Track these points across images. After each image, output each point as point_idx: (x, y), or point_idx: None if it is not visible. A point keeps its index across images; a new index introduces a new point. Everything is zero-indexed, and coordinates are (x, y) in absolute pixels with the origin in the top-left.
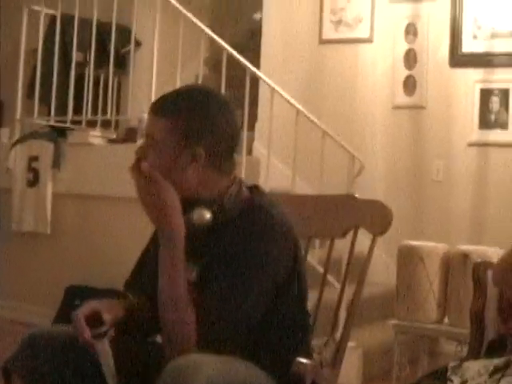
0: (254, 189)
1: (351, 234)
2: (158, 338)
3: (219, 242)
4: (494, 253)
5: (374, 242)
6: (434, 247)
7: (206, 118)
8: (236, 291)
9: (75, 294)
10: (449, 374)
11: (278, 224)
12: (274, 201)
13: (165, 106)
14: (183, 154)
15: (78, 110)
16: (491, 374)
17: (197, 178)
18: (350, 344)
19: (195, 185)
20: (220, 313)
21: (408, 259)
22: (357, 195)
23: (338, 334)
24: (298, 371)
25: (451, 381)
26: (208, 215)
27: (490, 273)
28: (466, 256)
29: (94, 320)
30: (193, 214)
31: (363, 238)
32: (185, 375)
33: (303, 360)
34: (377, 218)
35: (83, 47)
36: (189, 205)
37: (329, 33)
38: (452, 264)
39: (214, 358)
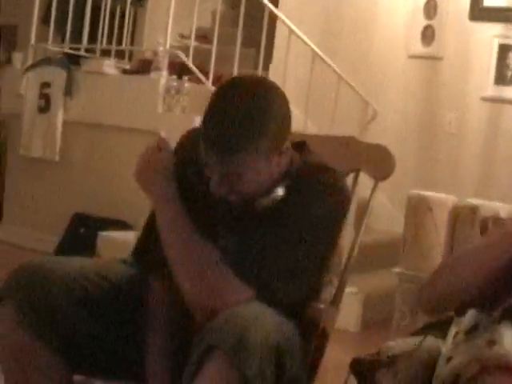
0: (302, 147)
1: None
2: None
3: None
4: (502, 208)
5: (375, 186)
6: (443, 198)
7: (279, 116)
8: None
9: (80, 222)
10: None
11: (340, 182)
12: (323, 158)
13: (235, 138)
14: (273, 159)
15: (92, 38)
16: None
17: (282, 165)
18: (352, 290)
19: (279, 171)
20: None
21: (417, 208)
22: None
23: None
24: (314, 315)
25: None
26: (281, 192)
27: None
28: (474, 210)
29: None
30: (265, 199)
31: (370, 185)
32: (243, 325)
33: (319, 305)
34: (379, 162)
35: None
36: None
37: None
38: (460, 216)
39: (272, 313)
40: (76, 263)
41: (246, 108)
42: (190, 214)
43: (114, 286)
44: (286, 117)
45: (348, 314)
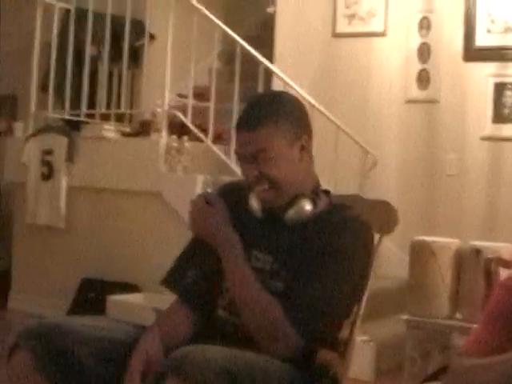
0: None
1: None
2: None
3: (307, 237)
4: (506, 249)
5: (380, 241)
6: (446, 243)
7: (296, 109)
8: (332, 288)
9: (89, 287)
10: None
11: (364, 222)
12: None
13: (259, 117)
14: (295, 147)
15: (92, 103)
16: None
17: (306, 168)
18: (364, 338)
19: (305, 175)
20: (313, 306)
21: (420, 254)
22: (361, 195)
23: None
24: (323, 362)
25: None
26: (308, 206)
27: (501, 269)
28: (478, 252)
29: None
30: (293, 209)
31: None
32: (186, 350)
33: (328, 351)
34: (383, 217)
35: (97, 41)
36: (289, 202)
37: (342, 26)
38: (464, 259)
39: (223, 348)
40: (90, 319)
41: (268, 99)
42: None
43: (126, 340)
44: (305, 112)
45: (361, 363)
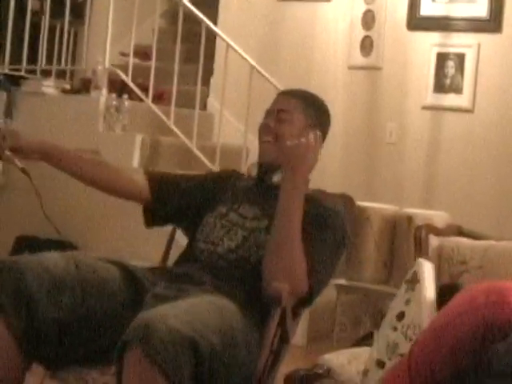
0: None
1: None
2: None
3: None
4: (438, 216)
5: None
6: (380, 209)
7: (324, 112)
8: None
9: (25, 245)
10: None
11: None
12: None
13: (299, 92)
14: (306, 130)
15: (33, 59)
16: None
17: None
18: None
19: None
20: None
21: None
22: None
23: None
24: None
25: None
26: None
27: (431, 236)
28: (410, 219)
29: None
30: (278, 173)
31: None
32: (150, 319)
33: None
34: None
35: None
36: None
37: None
38: (397, 226)
39: (182, 309)
40: (47, 257)
41: (312, 93)
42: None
43: (88, 273)
44: (328, 120)
45: None
